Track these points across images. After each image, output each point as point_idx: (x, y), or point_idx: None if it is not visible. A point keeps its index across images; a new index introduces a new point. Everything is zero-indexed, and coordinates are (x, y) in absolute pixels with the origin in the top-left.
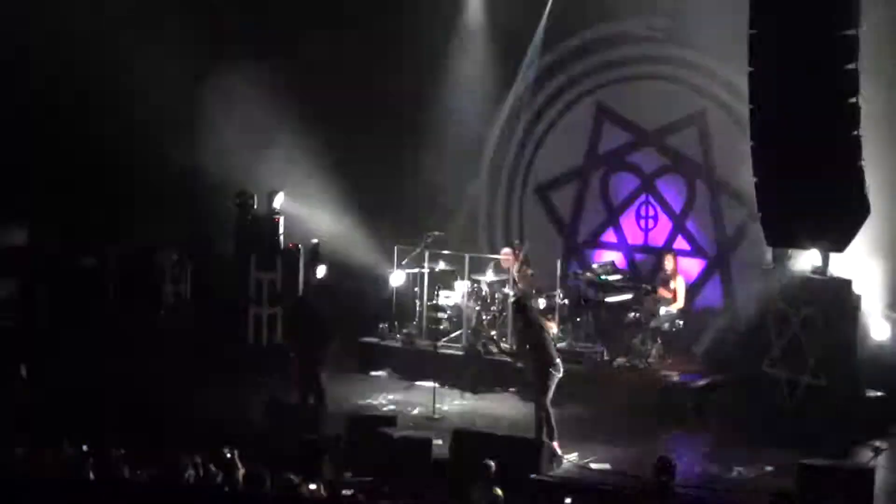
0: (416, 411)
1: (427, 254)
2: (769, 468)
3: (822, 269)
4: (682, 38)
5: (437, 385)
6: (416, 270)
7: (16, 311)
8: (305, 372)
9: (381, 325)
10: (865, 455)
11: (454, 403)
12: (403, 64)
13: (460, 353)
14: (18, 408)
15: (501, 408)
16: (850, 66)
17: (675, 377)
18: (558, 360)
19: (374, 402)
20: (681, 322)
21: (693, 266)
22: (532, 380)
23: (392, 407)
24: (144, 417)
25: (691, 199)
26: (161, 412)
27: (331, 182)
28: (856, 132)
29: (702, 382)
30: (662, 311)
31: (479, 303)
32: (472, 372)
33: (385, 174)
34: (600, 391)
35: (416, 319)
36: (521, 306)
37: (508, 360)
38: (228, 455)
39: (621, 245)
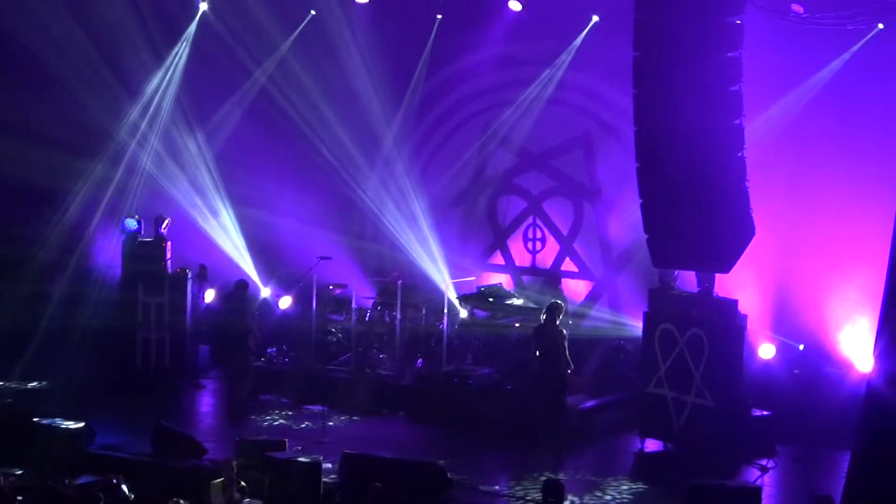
0: (304, 434)
1: (315, 277)
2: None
3: (708, 290)
4: (567, 61)
5: (325, 408)
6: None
7: None
8: None
9: (268, 349)
10: (752, 474)
11: (343, 426)
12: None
13: (348, 375)
14: None
15: (389, 430)
16: (734, 88)
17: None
18: None
19: (263, 426)
20: None
21: (581, 288)
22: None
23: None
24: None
25: (578, 220)
26: (49, 437)
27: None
28: (740, 153)
29: (590, 404)
30: None
31: (367, 326)
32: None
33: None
34: (487, 411)
35: (305, 343)
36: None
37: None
38: (115, 481)
39: (509, 267)
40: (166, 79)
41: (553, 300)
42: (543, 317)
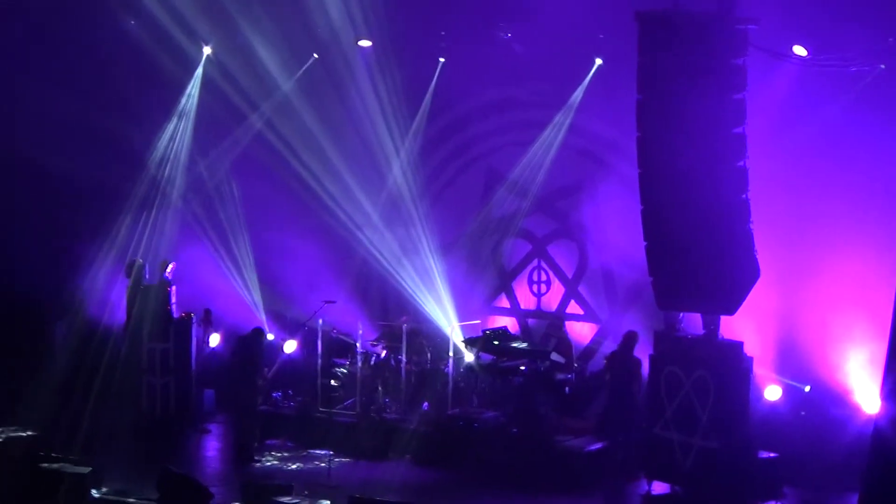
0: (310, 478)
1: (321, 321)
2: None
3: (713, 332)
4: (570, 103)
5: (331, 452)
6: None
7: None
8: None
9: (274, 393)
10: None
11: (349, 470)
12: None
13: (354, 419)
14: None
15: (395, 474)
16: (738, 130)
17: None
18: None
19: (269, 470)
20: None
21: (586, 330)
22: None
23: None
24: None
25: (583, 263)
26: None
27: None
28: (744, 195)
29: (595, 447)
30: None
31: (372, 370)
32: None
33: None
34: (493, 455)
35: (310, 387)
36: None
37: None
38: None
39: (514, 310)
40: (181, 124)
41: (630, 330)
42: (619, 346)
